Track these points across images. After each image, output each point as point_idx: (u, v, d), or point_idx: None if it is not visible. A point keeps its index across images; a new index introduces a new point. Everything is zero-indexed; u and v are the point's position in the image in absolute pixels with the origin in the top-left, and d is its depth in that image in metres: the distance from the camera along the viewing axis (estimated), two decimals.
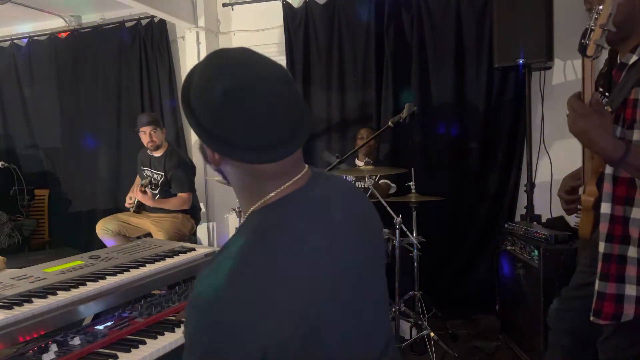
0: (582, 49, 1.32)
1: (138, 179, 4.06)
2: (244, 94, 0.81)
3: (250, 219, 0.89)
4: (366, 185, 3.71)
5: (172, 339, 1.53)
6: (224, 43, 4.66)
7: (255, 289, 0.78)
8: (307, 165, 0.95)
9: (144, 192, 3.80)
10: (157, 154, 3.87)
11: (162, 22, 4.62)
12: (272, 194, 0.88)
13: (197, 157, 4.32)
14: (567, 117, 1.37)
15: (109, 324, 1.60)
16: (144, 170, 3.95)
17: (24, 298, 1.49)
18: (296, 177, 0.90)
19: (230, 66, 0.85)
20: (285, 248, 0.83)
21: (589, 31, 1.31)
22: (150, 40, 4.68)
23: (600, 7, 1.28)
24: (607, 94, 1.49)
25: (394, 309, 2.95)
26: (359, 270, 0.93)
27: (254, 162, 0.85)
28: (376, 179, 3.63)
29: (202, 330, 0.78)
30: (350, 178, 3.80)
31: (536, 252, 2.55)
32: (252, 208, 0.90)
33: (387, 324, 1.05)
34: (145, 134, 3.77)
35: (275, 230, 0.85)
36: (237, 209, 3.50)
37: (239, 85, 0.82)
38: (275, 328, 0.77)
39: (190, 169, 3.90)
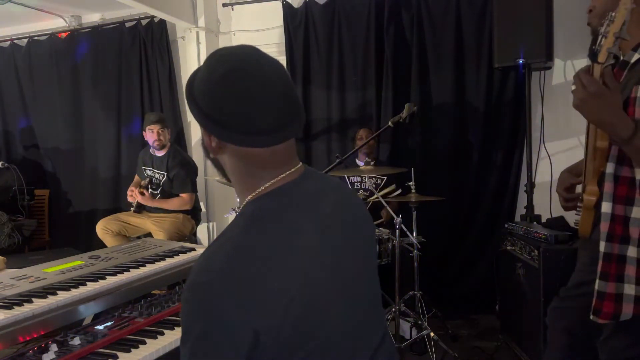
0: (593, 56, 1.30)
1: (137, 179, 4.06)
2: (239, 77, 0.88)
3: (245, 207, 0.94)
4: (367, 187, 3.71)
5: (172, 338, 1.53)
6: (224, 43, 4.65)
7: (247, 273, 0.81)
8: (301, 163, 0.99)
9: (142, 194, 3.80)
10: (160, 153, 3.87)
11: (162, 22, 4.61)
12: (266, 185, 0.93)
13: (197, 158, 4.32)
14: (572, 92, 1.34)
15: (109, 324, 1.60)
16: (145, 169, 3.95)
17: (24, 298, 1.49)
18: (290, 171, 0.95)
19: (229, 55, 0.92)
20: (277, 235, 0.87)
21: (600, 38, 1.29)
22: (150, 40, 4.68)
23: (614, 14, 1.26)
24: None
25: (394, 309, 2.95)
26: (348, 262, 0.96)
27: (247, 145, 0.90)
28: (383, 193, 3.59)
29: (196, 314, 0.81)
30: (354, 179, 3.80)
31: (536, 252, 2.55)
32: (247, 198, 0.95)
33: (381, 318, 1.08)
34: (153, 132, 3.79)
35: (268, 218, 0.89)
36: (237, 209, 3.50)
37: (236, 69, 0.88)
38: (266, 312, 0.80)
39: (193, 169, 3.90)
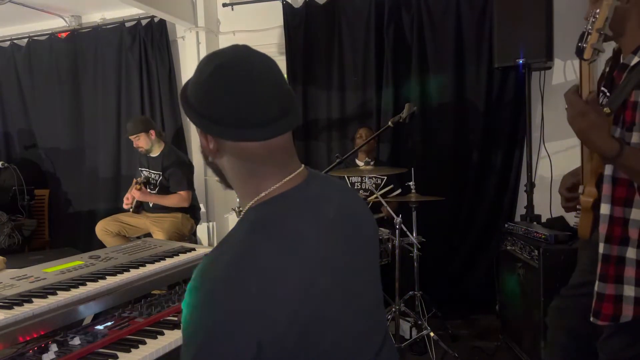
0: (580, 52, 1.33)
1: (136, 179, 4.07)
2: (228, 72, 0.87)
3: (247, 214, 0.92)
4: (367, 187, 3.71)
5: (172, 338, 1.53)
6: (224, 43, 4.65)
7: (250, 282, 0.80)
8: (303, 165, 0.98)
9: (140, 190, 3.80)
10: (154, 154, 3.88)
11: (162, 22, 4.62)
12: (268, 191, 0.91)
13: (196, 157, 4.33)
14: (566, 111, 1.37)
15: (109, 324, 1.60)
16: (141, 170, 3.96)
17: (24, 298, 1.49)
18: (292, 175, 0.93)
19: (217, 54, 0.92)
20: (279, 243, 0.85)
21: (585, 34, 1.31)
22: (150, 40, 4.68)
23: (597, 10, 1.28)
24: (608, 93, 1.50)
25: (393, 309, 2.95)
26: (351, 267, 0.95)
27: (243, 139, 0.88)
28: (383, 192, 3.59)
29: (197, 323, 0.80)
30: (354, 179, 3.80)
31: (536, 252, 2.55)
32: (249, 204, 0.93)
33: (383, 322, 1.07)
34: (133, 142, 3.82)
35: (270, 225, 0.88)
36: (237, 209, 3.50)
37: (224, 65, 0.88)
38: (270, 321, 0.79)
39: (188, 167, 3.90)
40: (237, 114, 0.87)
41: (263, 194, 0.91)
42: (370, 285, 1.02)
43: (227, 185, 0.98)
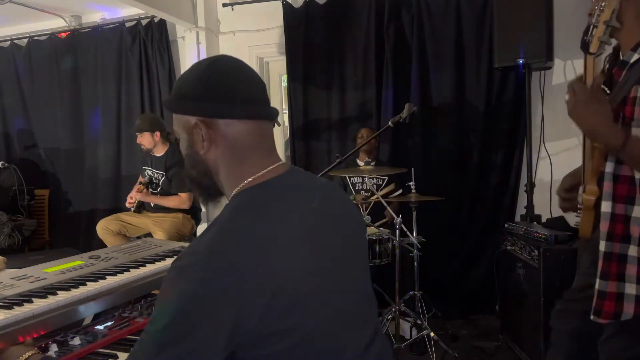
0: (585, 46, 1.31)
1: (140, 179, 4.07)
2: (225, 62, 0.99)
3: (232, 200, 0.97)
4: (367, 187, 3.71)
5: None
6: (223, 43, 4.66)
7: (231, 260, 0.82)
8: (284, 161, 1.03)
9: (141, 191, 3.80)
10: (158, 153, 3.87)
11: (162, 22, 4.62)
12: (252, 178, 0.96)
13: None
14: (566, 102, 1.35)
15: (109, 324, 1.60)
16: (145, 169, 3.96)
17: (24, 298, 1.48)
18: (275, 165, 0.98)
19: (205, 59, 1.01)
20: (262, 224, 0.88)
21: (591, 28, 1.30)
22: (150, 40, 4.68)
23: (603, 3, 1.27)
24: (608, 91, 1.49)
25: (394, 309, 2.95)
26: (336, 256, 0.97)
27: (244, 116, 0.94)
28: (385, 193, 3.58)
29: (177, 294, 0.81)
30: (355, 179, 3.80)
31: (536, 252, 2.55)
32: (234, 191, 0.97)
33: (373, 314, 1.08)
34: (136, 137, 3.85)
35: (253, 208, 0.91)
36: None
37: (219, 59, 1.00)
38: (249, 298, 0.80)
39: None
40: (243, 92, 0.94)
41: (246, 181, 0.96)
42: (356, 277, 1.04)
43: (208, 197, 1.04)
